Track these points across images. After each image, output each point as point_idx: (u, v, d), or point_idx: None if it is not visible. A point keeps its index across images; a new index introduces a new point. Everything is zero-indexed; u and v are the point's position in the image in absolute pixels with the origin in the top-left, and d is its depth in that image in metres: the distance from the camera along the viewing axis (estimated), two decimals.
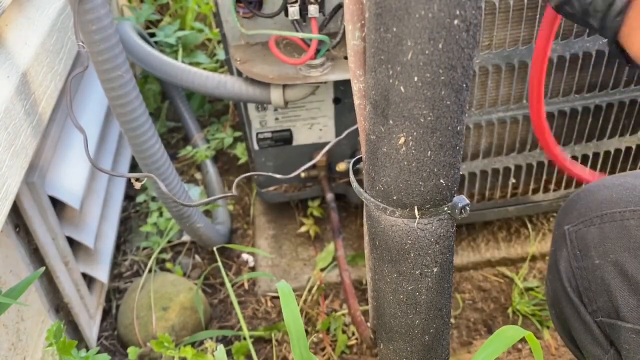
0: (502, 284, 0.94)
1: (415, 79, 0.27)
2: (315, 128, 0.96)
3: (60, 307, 0.79)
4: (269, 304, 0.93)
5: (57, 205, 0.75)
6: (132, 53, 0.87)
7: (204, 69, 1.30)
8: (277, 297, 0.94)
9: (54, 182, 0.73)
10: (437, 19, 0.25)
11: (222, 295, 0.96)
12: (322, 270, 0.94)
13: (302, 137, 0.96)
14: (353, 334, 0.86)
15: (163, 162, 0.69)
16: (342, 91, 0.92)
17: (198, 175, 1.19)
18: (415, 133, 0.29)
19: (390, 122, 0.29)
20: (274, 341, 0.85)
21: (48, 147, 0.73)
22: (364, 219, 0.39)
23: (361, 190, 0.35)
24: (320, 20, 0.76)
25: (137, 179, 0.55)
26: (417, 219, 0.32)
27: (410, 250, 0.34)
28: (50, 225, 0.72)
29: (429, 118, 0.28)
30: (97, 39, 0.58)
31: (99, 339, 0.88)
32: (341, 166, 0.93)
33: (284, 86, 0.80)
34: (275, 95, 0.80)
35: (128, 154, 1.05)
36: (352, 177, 0.36)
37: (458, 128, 0.30)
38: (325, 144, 0.98)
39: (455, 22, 0.26)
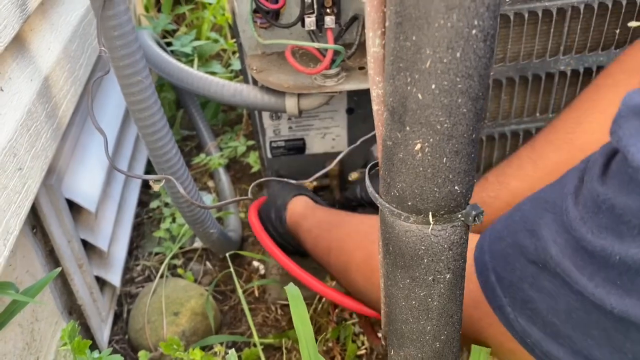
0: None
1: (433, 86, 0.28)
2: (328, 137, 0.97)
3: (73, 309, 0.80)
4: (279, 311, 0.94)
5: (73, 208, 0.77)
6: (150, 60, 0.88)
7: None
8: (287, 305, 0.94)
9: (71, 185, 0.74)
10: (456, 28, 0.26)
11: (232, 302, 0.97)
12: (333, 279, 0.94)
13: (315, 146, 0.97)
14: (363, 343, 0.86)
15: (179, 167, 0.70)
16: (355, 101, 0.92)
17: (210, 183, 1.20)
18: (431, 140, 0.30)
19: (407, 128, 0.30)
20: (284, 349, 0.86)
21: (66, 151, 0.75)
22: (379, 225, 0.39)
23: (376, 195, 0.35)
24: (335, 31, 0.77)
25: (155, 181, 0.56)
26: (431, 225, 0.33)
27: (424, 256, 0.34)
28: (66, 227, 0.73)
29: (446, 125, 0.29)
30: (119, 45, 0.59)
31: (109, 342, 0.89)
32: (353, 175, 0.94)
33: (299, 95, 0.81)
34: (290, 104, 0.81)
35: (143, 159, 1.06)
36: (367, 182, 0.37)
37: (473, 136, 0.30)
38: (337, 153, 0.99)
39: (474, 32, 0.26)
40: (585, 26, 0.72)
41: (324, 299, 0.91)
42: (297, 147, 0.96)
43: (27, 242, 0.67)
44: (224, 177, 1.16)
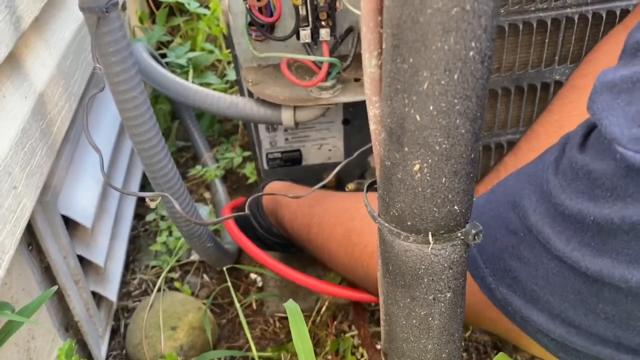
0: None
1: (431, 107, 0.28)
2: (324, 148, 0.97)
3: (70, 325, 0.80)
4: (277, 324, 0.93)
5: (69, 223, 0.76)
6: (145, 74, 0.88)
7: (215, 89, 1.31)
8: (286, 318, 0.94)
9: (67, 201, 0.73)
10: (453, 51, 0.26)
11: (230, 315, 0.96)
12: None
13: (311, 157, 0.97)
14: (362, 355, 0.86)
15: (175, 182, 0.69)
16: (351, 113, 0.93)
17: (207, 195, 1.20)
18: (430, 160, 0.30)
19: (406, 149, 0.30)
20: None
21: (61, 166, 0.74)
22: (377, 243, 0.39)
23: (375, 214, 0.35)
24: (331, 43, 0.77)
25: (152, 199, 0.56)
26: (431, 244, 0.33)
27: (424, 276, 0.34)
28: (62, 244, 0.72)
29: (444, 146, 0.29)
30: (114, 61, 0.59)
31: (107, 358, 0.88)
32: (350, 186, 0.94)
33: (295, 107, 0.81)
34: (286, 116, 0.81)
35: (139, 173, 1.06)
36: (366, 201, 0.37)
37: (472, 156, 0.30)
38: (334, 164, 0.99)
39: (471, 53, 0.26)
40: (579, 36, 0.72)
41: (322, 311, 0.91)
42: (293, 158, 0.96)
43: (23, 259, 0.67)
44: (220, 189, 1.16)
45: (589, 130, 0.37)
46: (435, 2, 0.25)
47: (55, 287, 0.60)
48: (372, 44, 0.31)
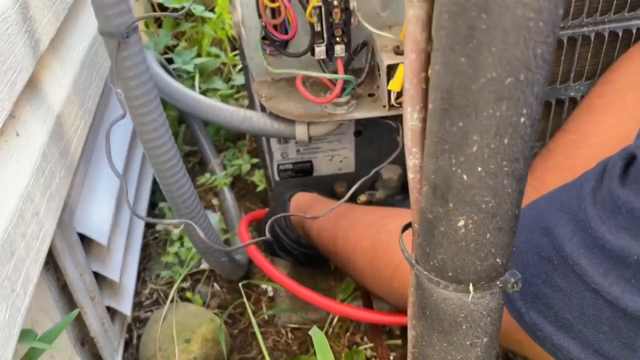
0: None
1: (479, 169, 0.28)
2: (335, 160, 0.97)
3: (85, 340, 0.80)
4: (290, 335, 0.94)
5: (84, 240, 0.76)
6: (158, 87, 0.88)
7: (221, 95, 1.31)
8: (298, 329, 0.94)
9: (83, 219, 0.73)
10: (505, 117, 0.26)
11: (242, 326, 0.96)
12: (343, 301, 0.94)
13: (322, 168, 0.97)
14: None
15: (192, 201, 0.69)
16: (363, 124, 0.93)
17: (215, 201, 1.20)
18: (475, 217, 0.30)
19: (450, 205, 0.30)
20: None
21: (76, 185, 0.74)
22: (411, 287, 0.39)
23: (413, 262, 0.35)
24: (345, 59, 0.77)
25: (176, 226, 0.56)
26: (471, 294, 0.33)
27: (463, 323, 0.34)
28: (78, 261, 0.73)
29: (490, 204, 0.29)
30: (134, 85, 0.59)
31: None
32: (362, 198, 0.94)
33: (309, 123, 0.81)
34: (300, 132, 0.81)
35: (148, 183, 1.06)
36: (402, 247, 0.37)
37: (516, 212, 0.30)
38: (344, 175, 0.99)
39: (522, 120, 0.26)
40: (595, 52, 0.72)
41: (334, 323, 0.92)
42: (304, 169, 0.96)
43: (41, 279, 0.67)
44: (228, 196, 1.16)
45: (628, 161, 0.37)
46: (489, 72, 0.25)
47: (76, 311, 0.60)
48: (414, 99, 0.31)
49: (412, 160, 0.34)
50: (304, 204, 0.85)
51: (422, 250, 0.34)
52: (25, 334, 0.54)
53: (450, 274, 0.33)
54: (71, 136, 0.68)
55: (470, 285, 0.33)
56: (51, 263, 0.70)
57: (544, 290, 0.41)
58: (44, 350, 0.56)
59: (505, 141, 0.27)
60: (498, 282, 0.34)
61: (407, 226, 0.38)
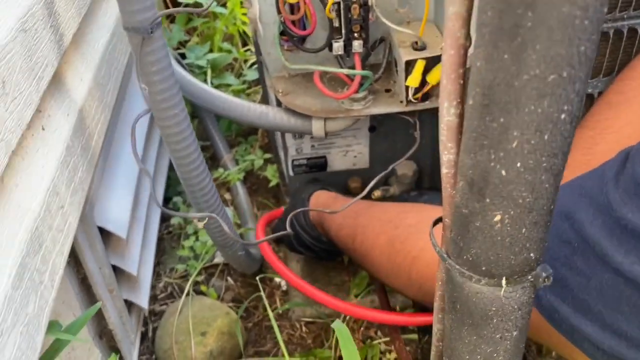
0: None
1: (518, 164, 0.28)
2: (349, 155, 0.97)
3: (103, 333, 0.81)
4: (304, 329, 0.94)
5: (103, 234, 0.77)
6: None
7: (233, 90, 1.32)
8: (312, 323, 0.95)
9: (102, 213, 0.74)
10: (546, 114, 0.27)
11: (256, 319, 0.97)
12: (357, 296, 0.95)
13: (336, 163, 0.98)
14: None
15: (212, 196, 0.70)
16: (378, 120, 0.93)
17: (227, 196, 1.21)
18: (512, 212, 0.30)
19: (487, 200, 0.30)
20: None
21: (96, 179, 0.75)
22: (439, 280, 0.40)
23: (446, 256, 0.36)
24: (362, 54, 0.77)
25: (200, 219, 0.57)
26: (504, 288, 0.33)
27: (494, 317, 0.35)
28: (98, 255, 0.73)
29: (528, 199, 0.30)
30: (157, 80, 0.60)
31: None
32: (377, 193, 0.94)
33: (326, 118, 0.81)
34: (317, 127, 0.82)
35: (163, 178, 1.07)
36: (433, 241, 0.37)
37: (551, 207, 0.31)
38: (358, 170, 0.99)
39: (563, 116, 0.27)
40: (613, 49, 0.72)
41: (348, 317, 0.92)
42: (318, 164, 0.97)
43: (64, 273, 0.68)
44: (241, 191, 1.17)
45: None
46: (532, 69, 0.26)
47: (99, 304, 0.61)
48: (452, 95, 0.32)
49: (447, 156, 0.34)
50: (323, 203, 0.86)
51: (454, 244, 0.35)
52: (51, 325, 0.55)
53: (483, 268, 0.33)
54: (92, 130, 0.68)
55: (503, 279, 0.33)
56: (72, 257, 0.71)
57: (562, 272, 0.42)
58: (68, 341, 0.57)
59: (546, 137, 0.28)
60: (530, 277, 0.34)
61: (438, 221, 0.39)
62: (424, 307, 0.73)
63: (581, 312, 0.41)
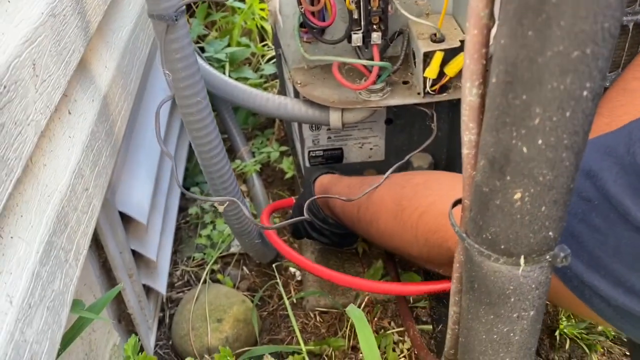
0: (549, 305, 0.95)
1: (540, 142, 0.29)
2: (365, 147, 0.98)
3: (122, 317, 0.82)
4: (318, 318, 0.95)
5: (123, 219, 0.78)
6: None
7: (251, 84, 1.33)
8: (325, 312, 0.96)
9: (123, 198, 0.76)
10: (569, 91, 0.27)
11: (271, 308, 0.98)
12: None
13: (352, 155, 0.98)
14: (402, 352, 0.88)
15: (231, 183, 0.71)
16: (394, 112, 0.93)
17: (244, 188, 1.22)
18: (532, 190, 0.31)
19: (508, 178, 0.31)
20: (325, 356, 0.87)
21: (118, 164, 0.76)
22: (457, 262, 0.41)
23: (464, 235, 0.36)
24: (381, 46, 0.78)
25: (220, 203, 0.58)
26: (522, 266, 0.34)
27: (512, 296, 0.35)
28: (119, 239, 0.75)
29: (548, 177, 0.30)
30: (180, 67, 0.61)
31: (154, 348, 0.91)
32: None
33: (343, 109, 0.82)
34: (334, 118, 0.83)
35: (181, 168, 1.08)
36: (452, 220, 0.38)
37: (571, 186, 0.31)
38: (374, 162, 1.00)
39: (585, 93, 0.27)
40: (633, 43, 0.72)
41: (362, 307, 0.93)
42: (335, 156, 0.98)
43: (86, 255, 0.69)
44: (257, 183, 1.18)
45: None
46: (556, 45, 0.26)
47: (121, 285, 0.62)
48: (474, 74, 0.32)
49: (468, 136, 0.35)
50: (327, 184, 0.87)
51: (474, 223, 0.35)
52: (75, 304, 0.56)
53: (502, 246, 0.34)
54: (115, 117, 0.70)
55: (522, 258, 0.34)
56: (93, 240, 0.72)
57: (578, 228, 0.42)
58: (91, 320, 0.59)
59: (567, 114, 0.28)
60: (548, 256, 0.35)
61: (457, 202, 0.39)
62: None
63: (594, 269, 0.42)
